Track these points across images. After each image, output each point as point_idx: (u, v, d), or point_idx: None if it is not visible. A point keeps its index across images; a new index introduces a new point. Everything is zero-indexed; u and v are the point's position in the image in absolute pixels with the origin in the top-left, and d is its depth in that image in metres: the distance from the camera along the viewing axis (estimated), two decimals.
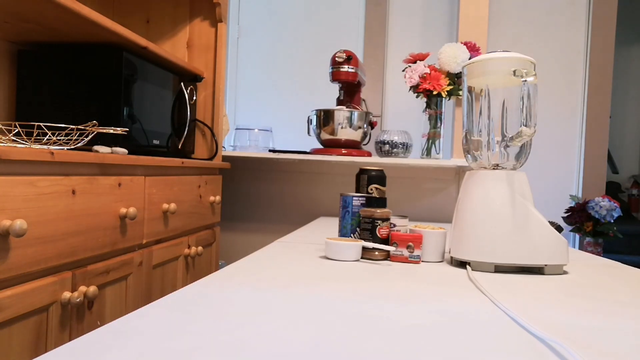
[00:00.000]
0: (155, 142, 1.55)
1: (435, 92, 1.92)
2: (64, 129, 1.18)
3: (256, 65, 3.20)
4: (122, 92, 1.34)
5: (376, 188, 1.16)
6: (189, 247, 1.63)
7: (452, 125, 2.19)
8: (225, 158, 2.16)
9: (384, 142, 2.05)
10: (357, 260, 0.99)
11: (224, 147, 2.09)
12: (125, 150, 1.25)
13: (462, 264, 0.98)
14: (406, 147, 2.05)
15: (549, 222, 0.95)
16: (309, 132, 2.12)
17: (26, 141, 1.06)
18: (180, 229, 1.56)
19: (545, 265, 0.92)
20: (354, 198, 1.11)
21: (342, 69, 2.05)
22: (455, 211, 1.02)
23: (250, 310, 0.60)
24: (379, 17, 3.00)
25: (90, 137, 1.14)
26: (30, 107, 1.39)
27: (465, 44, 1.97)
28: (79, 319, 1.06)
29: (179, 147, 1.71)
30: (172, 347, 0.47)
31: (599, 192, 2.89)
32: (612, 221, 2.62)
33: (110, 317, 1.20)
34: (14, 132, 1.25)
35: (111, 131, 1.20)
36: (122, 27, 1.30)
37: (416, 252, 0.99)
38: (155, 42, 1.91)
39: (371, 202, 1.11)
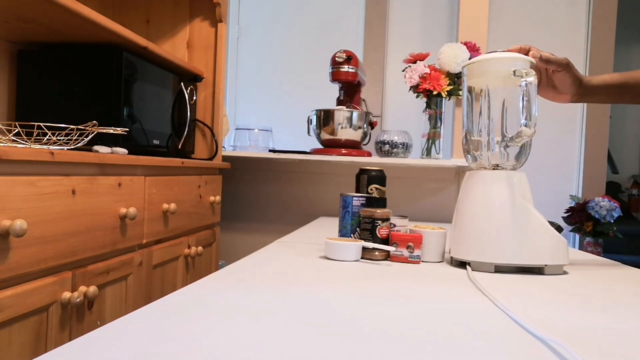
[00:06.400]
0: (155, 142, 1.55)
1: (435, 92, 1.92)
2: (64, 129, 1.18)
3: (256, 65, 3.20)
4: (122, 92, 1.34)
5: (376, 188, 1.16)
6: (189, 247, 1.63)
7: (452, 125, 2.19)
8: (225, 158, 2.16)
9: (384, 142, 2.05)
10: (357, 260, 0.99)
11: (224, 147, 2.09)
12: (125, 150, 1.25)
13: (462, 264, 0.98)
14: (406, 147, 2.05)
15: (549, 222, 0.95)
16: (309, 132, 2.12)
17: (26, 141, 1.06)
18: (180, 229, 1.56)
19: (545, 265, 0.92)
20: (354, 198, 1.11)
21: (342, 69, 2.05)
22: (455, 211, 1.02)
23: (250, 310, 0.60)
24: (379, 17, 3.00)
25: (90, 137, 1.14)
26: (30, 107, 1.39)
27: (465, 44, 1.97)
28: (79, 319, 1.06)
29: (179, 147, 1.71)
30: (172, 348, 0.47)
31: (599, 192, 2.89)
32: (612, 221, 2.62)
33: (110, 317, 1.20)
34: (14, 132, 1.25)
35: (111, 131, 1.20)
36: (122, 27, 1.30)
37: (416, 252, 0.99)
38: (155, 42, 1.91)
39: (371, 202, 1.11)
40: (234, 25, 3.20)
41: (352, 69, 2.05)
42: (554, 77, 1.01)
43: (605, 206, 2.61)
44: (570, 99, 1.03)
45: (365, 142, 2.09)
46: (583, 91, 1.02)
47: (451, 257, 1.00)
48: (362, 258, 1.01)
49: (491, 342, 0.53)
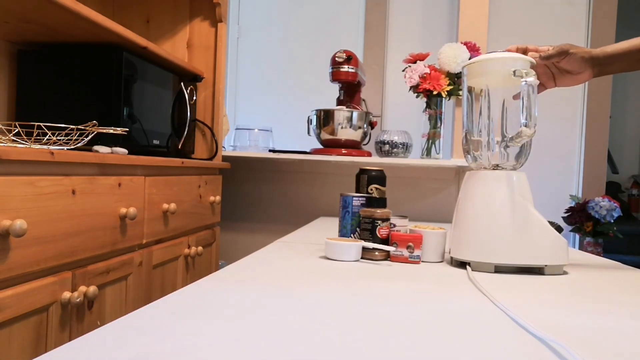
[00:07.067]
0: (155, 142, 1.55)
1: (435, 92, 1.92)
2: (64, 129, 1.18)
3: (256, 65, 3.20)
4: (122, 92, 1.34)
5: (376, 188, 1.16)
6: (189, 247, 1.63)
7: (452, 125, 2.19)
8: (225, 158, 2.16)
9: (384, 142, 2.05)
10: (357, 261, 0.99)
11: (224, 147, 2.09)
12: (125, 150, 1.25)
13: (462, 264, 0.98)
14: (406, 147, 2.05)
15: (549, 222, 0.95)
16: (309, 132, 2.12)
17: (26, 141, 1.06)
18: (180, 229, 1.56)
19: (545, 265, 0.92)
20: (354, 198, 1.11)
21: (342, 69, 2.05)
22: (455, 211, 1.02)
23: (250, 310, 0.60)
24: (379, 17, 3.00)
25: (90, 137, 1.14)
26: (30, 107, 1.39)
27: (465, 44, 1.97)
28: (79, 319, 1.06)
29: (179, 147, 1.71)
30: (171, 348, 0.47)
31: (599, 192, 2.89)
32: (612, 221, 2.62)
33: (110, 317, 1.20)
34: (14, 132, 1.25)
35: (111, 131, 1.20)
36: (122, 27, 1.30)
37: (416, 252, 0.99)
38: (155, 42, 1.91)
39: (371, 202, 1.11)
40: (234, 25, 3.20)
41: (352, 69, 2.05)
42: (561, 65, 1.01)
43: (605, 206, 2.61)
44: (591, 74, 1.01)
45: (365, 142, 2.09)
46: (599, 62, 1.00)
47: (451, 257, 1.00)
48: (362, 258, 1.01)
49: (491, 342, 0.53)
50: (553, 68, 1.03)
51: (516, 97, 0.97)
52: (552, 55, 0.98)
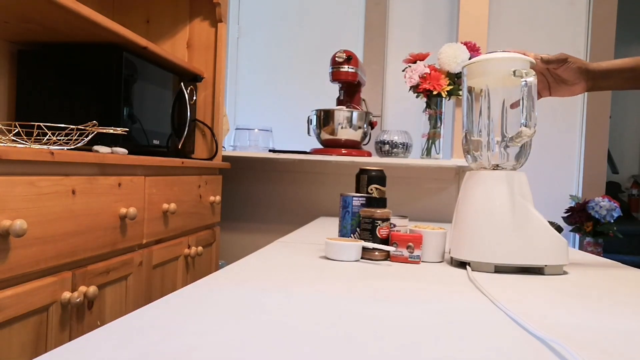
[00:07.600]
0: (155, 142, 1.55)
1: (435, 92, 1.92)
2: (64, 129, 1.18)
3: (256, 64, 3.20)
4: (122, 92, 1.34)
5: (376, 188, 1.16)
6: (189, 247, 1.63)
7: (452, 125, 2.19)
8: (225, 158, 2.16)
9: (384, 142, 2.05)
10: (357, 261, 0.99)
11: (224, 147, 2.09)
12: (125, 150, 1.25)
13: (462, 264, 0.98)
14: (406, 147, 2.05)
15: (549, 222, 0.95)
16: (309, 132, 2.12)
17: (26, 141, 1.06)
18: (180, 229, 1.56)
19: (545, 265, 0.92)
20: (354, 198, 1.11)
21: (342, 69, 2.05)
22: (455, 211, 1.02)
23: (250, 310, 0.60)
24: (379, 17, 3.00)
25: (90, 137, 1.14)
26: (30, 107, 1.39)
27: (465, 44, 1.97)
28: (79, 319, 1.06)
29: (179, 147, 1.71)
30: (171, 347, 0.47)
31: (599, 192, 2.89)
32: (612, 221, 2.62)
33: (110, 317, 1.20)
34: (14, 132, 1.25)
35: (111, 131, 1.20)
36: (122, 27, 1.30)
37: (416, 253, 0.99)
38: (155, 42, 1.91)
39: (371, 202, 1.11)
40: (234, 25, 3.20)
41: (352, 69, 2.05)
42: (558, 73, 1.01)
43: (605, 206, 2.61)
44: (585, 86, 1.03)
45: (365, 142, 2.09)
46: (594, 75, 1.02)
47: (451, 257, 1.00)
48: (362, 258, 1.01)
49: (491, 342, 0.53)
50: (549, 77, 1.04)
51: (514, 105, 0.98)
52: (552, 60, 0.99)
